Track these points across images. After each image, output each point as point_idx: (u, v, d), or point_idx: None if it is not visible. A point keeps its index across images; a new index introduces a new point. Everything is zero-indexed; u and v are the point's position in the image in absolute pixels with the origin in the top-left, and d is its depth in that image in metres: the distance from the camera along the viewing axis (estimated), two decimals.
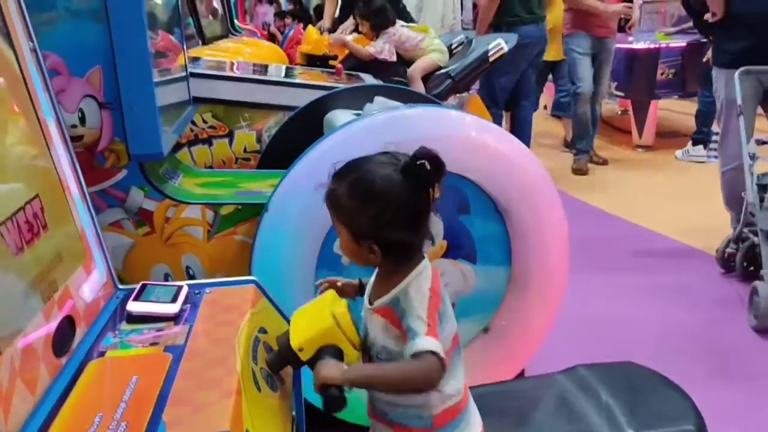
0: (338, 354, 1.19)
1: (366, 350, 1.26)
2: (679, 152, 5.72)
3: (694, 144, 5.74)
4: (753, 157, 3.18)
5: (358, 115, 2.23)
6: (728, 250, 3.44)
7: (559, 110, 6.29)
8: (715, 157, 5.71)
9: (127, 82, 1.76)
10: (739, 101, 3.25)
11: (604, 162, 5.76)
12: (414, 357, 1.13)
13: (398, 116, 1.98)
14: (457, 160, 1.95)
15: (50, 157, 1.38)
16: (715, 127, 5.86)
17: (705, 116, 5.70)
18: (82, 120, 1.85)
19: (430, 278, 1.18)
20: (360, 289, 1.37)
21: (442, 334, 1.15)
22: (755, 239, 3.16)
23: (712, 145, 5.75)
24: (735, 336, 2.88)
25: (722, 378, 2.55)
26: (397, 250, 1.17)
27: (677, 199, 4.76)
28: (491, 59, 4.15)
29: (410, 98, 2.50)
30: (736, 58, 3.30)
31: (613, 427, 1.34)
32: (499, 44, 4.12)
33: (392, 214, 1.14)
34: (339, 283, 1.39)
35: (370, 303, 1.25)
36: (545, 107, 7.68)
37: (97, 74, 1.82)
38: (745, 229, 3.28)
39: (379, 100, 2.27)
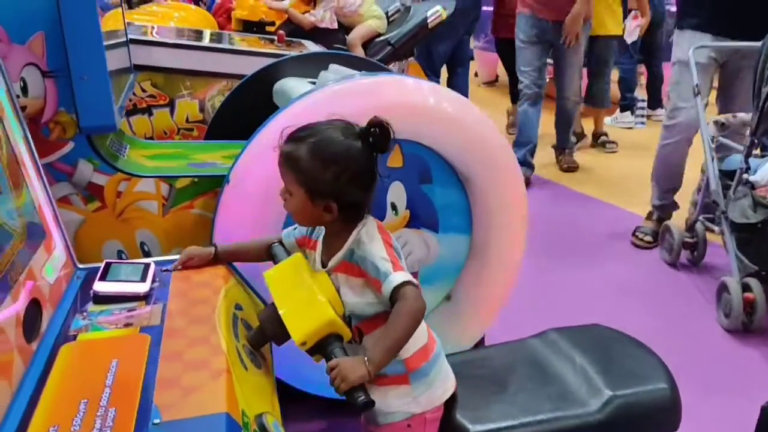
0: (339, 340, 1.19)
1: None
2: (608, 119, 5.88)
3: (622, 110, 5.95)
4: (713, 141, 2.95)
5: (313, 83, 2.18)
6: (686, 239, 3.19)
7: (588, 102, 5.13)
8: (642, 123, 5.94)
9: (77, 49, 1.65)
10: (695, 81, 3.08)
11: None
12: (394, 298, 1.17)
13: (359, 84, 1.93)
14: (417, 128, 1.93)
15: (4, 131, 1.29)
16: (638, 93, 6.09)
17: (626, 82, 5.91)
18: (24, 90, 1.72)
19: (375, 225, 1.27)
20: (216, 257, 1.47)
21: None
22: (716, 229, 2.95)
23: (638, 111, 5.95)
24: (702, 323, 2.73)
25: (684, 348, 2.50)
26: (351, 209, 1.25)
27: (604, 164, 4.92)
28: (431, 25, 4.15)
29: (362, 66, 2.46)
30: (699, 23, 3.26)
31: (590, 388, 1.37)
32: (438, 11, 4.13)
33: (350, 175, 1.21)
34: (194, 260, 1.46)
35: (324, 266, 1.28)
36: (476, 74, 7.73)
37: (40, 40, 1.70)
38: (701, 218, 3.10)
39: (334, 67, 2.22)
